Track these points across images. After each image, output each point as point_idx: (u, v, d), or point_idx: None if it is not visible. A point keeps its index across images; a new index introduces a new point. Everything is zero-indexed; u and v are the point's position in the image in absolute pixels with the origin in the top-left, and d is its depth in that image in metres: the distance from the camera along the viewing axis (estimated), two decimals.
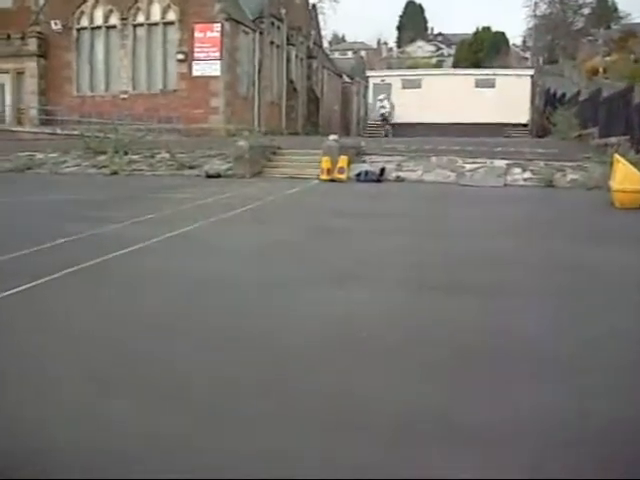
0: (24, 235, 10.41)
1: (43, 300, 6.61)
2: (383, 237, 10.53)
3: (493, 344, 5.13)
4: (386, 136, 24.00)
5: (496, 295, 6.80)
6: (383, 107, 25.45)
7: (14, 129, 36.02)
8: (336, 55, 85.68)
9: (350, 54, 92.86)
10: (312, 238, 10.53)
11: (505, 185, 19.59)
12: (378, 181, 20.34)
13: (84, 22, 37.70)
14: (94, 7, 37.28)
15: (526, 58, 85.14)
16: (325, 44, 74.89)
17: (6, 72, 38.37)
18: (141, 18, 36.77)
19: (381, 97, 26.75)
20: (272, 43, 41.63)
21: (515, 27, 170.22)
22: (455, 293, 6.82)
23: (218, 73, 35.65)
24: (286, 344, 5.16)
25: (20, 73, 38.25)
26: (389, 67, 76.46)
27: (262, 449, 3.37)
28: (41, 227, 11.36)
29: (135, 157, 24.71)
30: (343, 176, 20.61)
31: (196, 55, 35.83)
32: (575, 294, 6.94)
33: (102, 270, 7.95)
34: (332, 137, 22.83)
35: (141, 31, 37.00)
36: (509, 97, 40.80)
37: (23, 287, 6.88)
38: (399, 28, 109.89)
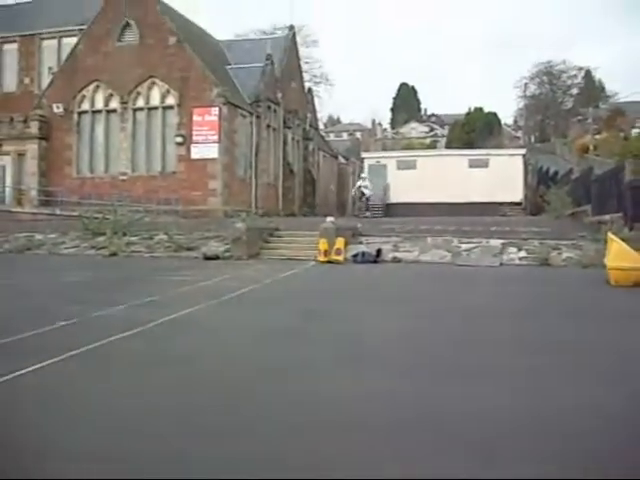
0: (24, 317, 10.48)
1: (47, 381, 6.69)
2: (381, 320, 10.60)
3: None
4: (365, 216, 25.10)
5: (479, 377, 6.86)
6: (365, 187, 26.89)
7: (13, 210, 36.37)
8: (332, 137, 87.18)
9: (345, 135, 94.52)
10: (308, 322, 10.57)
11: (501, 264, 19.73)
12: (375, 262, 20.48)
13: (85, 106, 38.55)
14: (95, 91, 38.20)
15: (518, 137, 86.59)
16: (321, 126, 76.32)
17: (7, 154, 38.98)
18: (141, 102, 37.60)
19: (363, 175, 27.98)
20: (269, 126, 42.43)
21: (506, 107, 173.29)
22: (450, 376, 6.88)
23: (216, 155, 36.27)
24: (275, 432, 5.20)
25: (21, 155, 38.92)
26: (384, 148, 77.66)
27: None
28: (41, 309, 11.42)
29: (133, 239, 24.90)
30: (340, 257, 20.77)
31: (195, 138, 36.51)
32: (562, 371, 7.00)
33: (101, 354, 8.00)
34: (329, 219, 23.10)
35: (141, 115, 37.77)
36: (502, 176, 41.36)
37: (26, 369, 6.96)
38: (393, 109, 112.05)
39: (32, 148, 38.53)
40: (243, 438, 5.00)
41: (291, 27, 51.03)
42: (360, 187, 27.44)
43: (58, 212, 34.59)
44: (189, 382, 6.83)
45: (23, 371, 6.95)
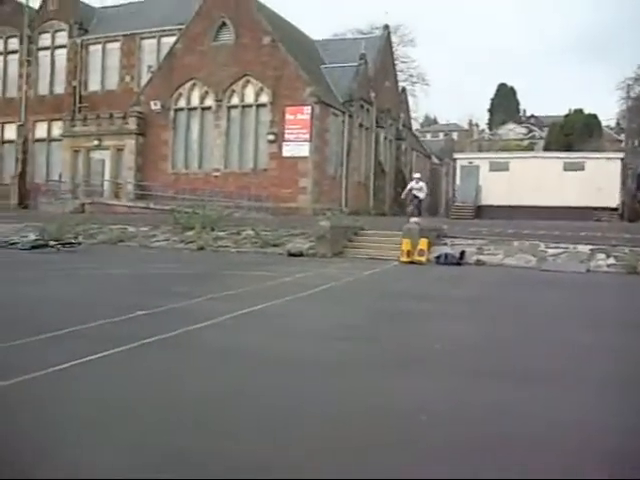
0: (107, 306, 10.89)
1: (120, 365, 7.04)
2: (454, 322, 10.54)
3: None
4: (415, 215, 24.29)
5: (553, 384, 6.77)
6: (418, 189, 24.81)
7: (110, 202, 37.68)
8: (428, 137, 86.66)
9: (442, 135, 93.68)
10: (381, 321, 10.64)
11: (588, 271, 19.26)
12: (458, 264, 20.31)
13: (181, 103, 39.52)
14: (191, 89, 39.12)
15: (620, 140, 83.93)
16: (417, 125, 75.98)
17: (107, 149, 40.37)
18: (235, 100, 38.30)
19: (416, 176, 26.63)
20: (361, 125, 42.55)
21: (608, 109, 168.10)
22: (517, 381, 6.82)
23: (307, 154, 36.60)
24: (337, 432, 5.28)
25: (120, 150, 40.21)
26: (480, 149, 76.60)
27: None
28: (122, 299, 11.84)
29: (221, 234, 25.41)
30: (423, 258, 20.69)
31: (286, 136, 36.94)
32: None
33: (173, 343, 8.26)
34: (413, 220, 23.04)
35: (235, 112, 38.48)
36: (598, 180, 40.31)
37: (106, 352, 7.35)
38: (490, 110, 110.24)
39: (130, 143, 39.83)
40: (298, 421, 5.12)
41: (386, 26, 50.97)
42: (412, 189, 25.25)
43: (152, 206, 35.62)
44: (245, 368, 7.00)
45: (100, 354, 7.27)
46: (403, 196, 27.43)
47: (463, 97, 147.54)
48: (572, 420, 5.54)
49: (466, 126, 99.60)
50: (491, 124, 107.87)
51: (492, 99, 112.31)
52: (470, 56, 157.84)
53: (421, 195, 25.32)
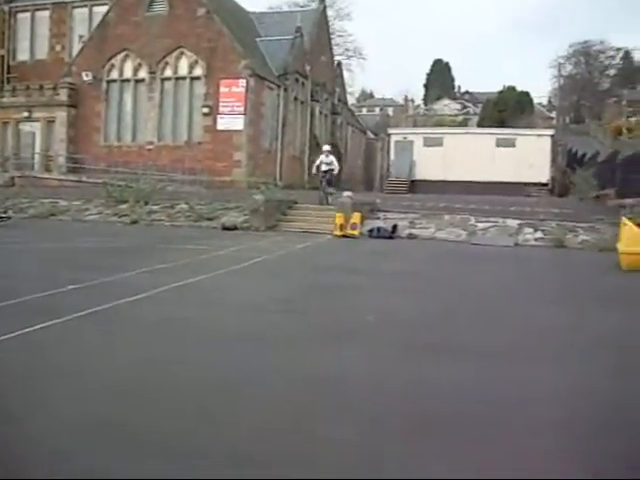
0: (37, 280, 10.80)
1: (51, 337, 7.05)
2: (387, 296, 10.76)
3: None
4: (326, 191, 24.55)
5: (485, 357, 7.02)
6: (327, 163, 24.43)
7: (40, 176, 36.94)
8: (364, 111, 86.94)
9: (377, 110, 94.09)
10: (312, 294, 10.81)
11: (516, 245, 19.77)
12: (390, 238, 20.62)
13: (114, 75, 38.90)
14: (124, 61, 38.52)
15: (552, 118, 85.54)
16: (353, 100, 76.13)
17: (37, 120, 39.51)
18: (169, 72, 37.87)
19: (326, 148, 26.40)
20: (296, 99, 42.51)
21: (541, 87, 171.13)
22: (443, 353, 7.05)
23: (242, 127, 36.47)
24: (267, 398, 5.42)
25: (50, 122, 39.40)
26: (415, 124, 77.15)
27: None
28: (53, 273, 11.75)
29: (155, 207, 25.26)
30: (356, 232, 20.95)
31: (221, 109, 36.73)
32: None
33: (104, 316, 8.28)
34: (346, 194, 23.23)
35: (168, 85, 38.06)
36: (529, 156, 41.21)
37: (36, 327, 7.35)
38: (426, 85, 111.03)
39: (61, 115, 39.04)
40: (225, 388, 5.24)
41: (322, 0, 50.84)
42: (321, 163, 24.92)
43: (84, 179, 35.08)
44: (178, 339, 7.09)
45: (30, 329, 7.26)
46: (314, 171, 26.16)
47: (399, 72, 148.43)
48: (501, 394, 5.78)
49: (402, 101, 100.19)
50: (426, 99, 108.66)
51: (428, 74, 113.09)
52: (407, 31, 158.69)
53: (333, 168, 24.99)
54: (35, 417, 4.76)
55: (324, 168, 24.62)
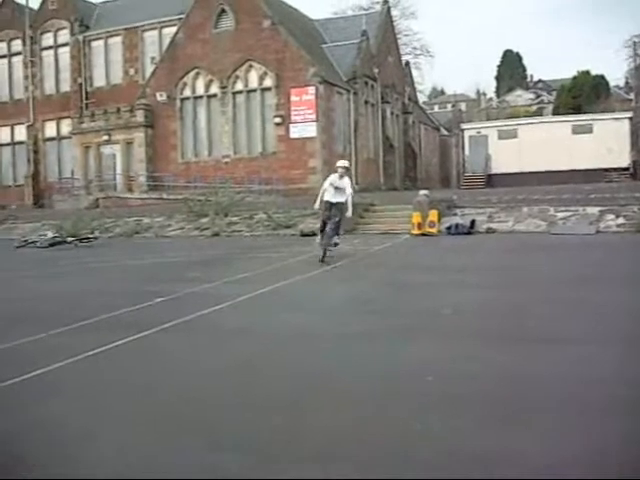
0: (127, 295, 11.25)
1: (147, 347, 7.49)
2: (469, 290, 10.79)
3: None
4: (325, 242, 15.16)
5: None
6: (339, 190, 13.97)
7: (123, 196, 38.15)
8: (436, 109, 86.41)
9: (449, 107, 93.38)
10: (396, 292, 10.95)
11: (597, 232, 19.46)
12: (469, 233, 20.56)
13: (187, 92, 39.81)
14: (195, 78, 39.41)
15: (630, 100, 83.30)
16: (424, 98, 75.82)
17: (117, 143, 40.76)
18: (240, 86, 38.54)
19: (341, 164, 14.00)
20: (367, 102, 42.67)
21: (616, 68, 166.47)
22: (520, 344, 7.11)
23: (314, 134, 36.81)
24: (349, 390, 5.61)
25: (129, 143, 40.59)
26: (488, 117, 76.15)
27: None
28: (141, 288, 12.21)
29: (235, 219, 25.77)
30: (434, 230, 20.96)
31: (293, 118, 37.16)
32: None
33: (190, 326, 8.61)
34: (422, 192, 23.25)
35: (240, 98, 38.73)
36: (607, 141, 40.29)
37: (130, 338, 7.79)
38: (497, 78, 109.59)
39: (139, 136, 40.19)
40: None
41: (385, 1, 50.87)
42: (332, 186, 14.80)
43: (165, 196, 36.01)
44: (267, 344, 7.33)
45: (123, 341, 7.64)
46: (316, 206, 15.44)
47: (469, 66, 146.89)
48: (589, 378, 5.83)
49: (473, 95, 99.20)
50: (498, 92, 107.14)
51: (498, 66, 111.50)
52: (473, 24, 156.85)
53: (343, 202, 14.66)
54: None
55: (331, 198, 14.56)
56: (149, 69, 42.50)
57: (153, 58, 42.33)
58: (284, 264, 15.02)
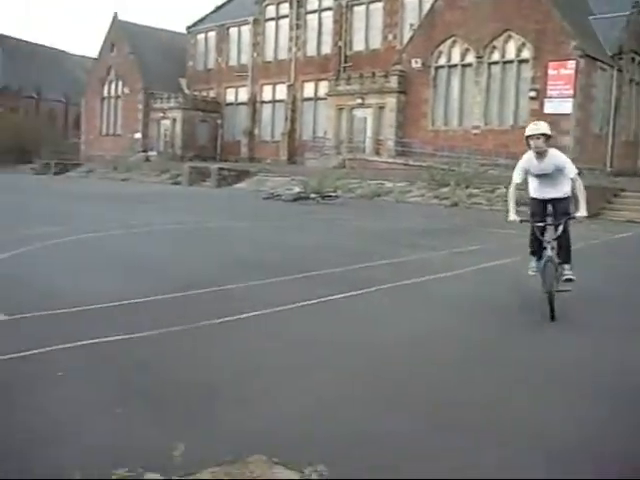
0: (354, 254, 11.62)
1: (357, 304, 7.78)
2: None
3: None
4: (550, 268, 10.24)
5: None
6: (547, 177, 8.87)
7: (370, 159, 39.00)
8: None
9: None
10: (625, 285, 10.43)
11: None
12: None
13: (442, 61, 39.58)
14: (452, 46, 39.02)
15: None
16: None
17: (369, 107, 41.59)
18: (496, 56, 37.66)
19: (539, 128, 7.82)
20: (632, 80, 40.09)
21: None
22: None
23: (570, 111, 35.24)
24: None
25: (381, 108, 41.22)
26: None
27: None
28: (369, 249, 12.53)
29: (475, 191, 25.48)
30: None
31: (549, 92, 35.77)
32: None
33: (404, 290, 8.75)
34: None
35: (495, 69, 37.87)
36: None
37: (341, 295, 8.13)
38: None
39: (391, 101, 40.67)
40: None
41: None
42: (526, 173, 8.15)
43: (410, 162, 36.28)
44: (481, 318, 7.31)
45: (334, 297, 7.96)
46: (512, 217, 7.92)
47: None
48: None
49: None
50: None
51: None
52: None
53: (565, 198, 8.22)
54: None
55: (540, 194, 8.20)
56: (407, 36, 42.70)
57: (412, 25, 42.42)
58: (515, 242, 14.68)
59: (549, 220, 7.87)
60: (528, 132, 7.75)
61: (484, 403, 4.67)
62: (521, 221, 7.67)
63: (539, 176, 7.89)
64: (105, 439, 3.86)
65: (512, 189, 7.98)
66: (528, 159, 7.87)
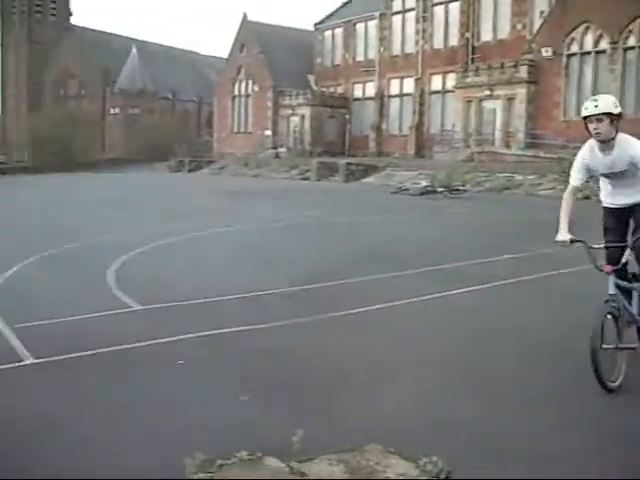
0: (480, 248, 11.62)
1: (488, 298, 7.84)
2: None
3: None
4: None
5: None
6: (618, 176, 5.36)
7: (499, 151, 38.35)
8: None
9: None
10: None
11: None
12: None
13: (574, 48, 38.42)
14: (584, 33, 37.80)
15: None
16: None
17: (498, 98, 40.89)
18: (632, 41, 36.24)
19: (604, 104, 5.44)
20: None
21: None
22: None
23: None
24: None
25: (510, 99, 40.43)
26: None
27: None
28: (496, 243, 12.47)
29: None
30: None
31: None
32: None
33: (528, 285, 8.70)
34: None
35: (631, 55, 36.45)
36: None
37: (471, 288, 8.29)
38: None
39: (521, 92, 39.81)
40: None
41: None
42: (588, 171, 5.68)
43: (541, 154, 35.41)
44: None
45: (454, 292, 8.04)
46: (560, 237, 5.30)
47: None
48: None
49: None
50: None
51: None
52: None
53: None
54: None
55: (612, 200, 5.70)
56: (537, 24, 41.64)
57: (542, 12, 41.36)
58: None
59: (629, 240, 5.43)
60: (584, 112, 5.36)
61: None
62: (571, 241, 5.18)
63: (609, 175, 5.50)
64: (229, 423, 4.16)
65: (567, 195, 5.64)
66: (590, 151, 5.51)
